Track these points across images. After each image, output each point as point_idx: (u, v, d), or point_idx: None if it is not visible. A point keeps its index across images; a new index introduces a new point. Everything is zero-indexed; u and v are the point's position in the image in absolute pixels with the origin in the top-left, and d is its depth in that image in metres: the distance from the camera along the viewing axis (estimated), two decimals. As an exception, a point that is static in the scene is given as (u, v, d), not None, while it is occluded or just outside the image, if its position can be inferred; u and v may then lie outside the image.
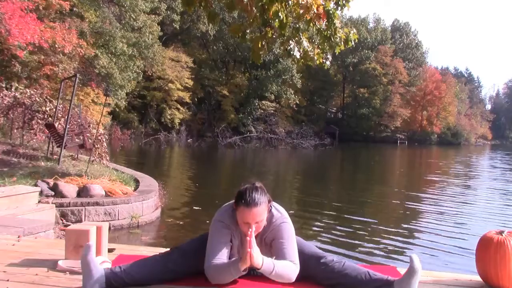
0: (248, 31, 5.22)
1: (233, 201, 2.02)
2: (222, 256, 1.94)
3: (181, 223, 6.34)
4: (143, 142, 28.28)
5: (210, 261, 1.92)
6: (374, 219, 7.11)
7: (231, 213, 2.01)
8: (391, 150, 38.30)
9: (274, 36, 5.17)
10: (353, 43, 5.50)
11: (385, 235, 6.01)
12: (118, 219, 5.65)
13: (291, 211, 7.32)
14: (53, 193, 5.58)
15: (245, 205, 1.91)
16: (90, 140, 8.42)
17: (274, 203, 2.08)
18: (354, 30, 5.58)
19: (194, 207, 7.53)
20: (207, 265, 1.92)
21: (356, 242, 5.66)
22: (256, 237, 1.93)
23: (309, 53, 5.33)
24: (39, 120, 8.83)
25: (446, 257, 5.02)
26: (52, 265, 2.22)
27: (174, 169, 15.72)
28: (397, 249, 5.39)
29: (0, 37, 10.49)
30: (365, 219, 7.13)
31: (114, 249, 2.56)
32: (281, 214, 2.05)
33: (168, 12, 33.99)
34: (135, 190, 6.61)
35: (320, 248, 2.20)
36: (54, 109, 8.68)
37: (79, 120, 9.37)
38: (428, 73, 61.03)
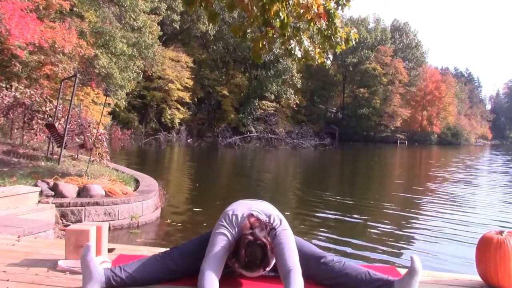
0: (248, 31, 5.22)
1: (235, 215, 2.00)
2: (218, 267, 1.89)
3: (180, 223, 6.34)
4: (143, 142, 28.29)
5: (206, 268, 1.88)
6: (374, 219, 7.11)
7: (236, 221, 1.99)
8: (391, 150, 38.31)
9: (274, 36, 5.17)
10: (353, 42, 5.51)
11: (385, 235, 6.00)
12: (118, 219, 5.65)
13: (289, 212, 7.32)
14: (53, 193, 5.58)
15: (244, 269, 1.87)
16: (90, 140, 8.43)
17: (275, 214, 2.06)
18: (355, 30, 5.58)
19: (194, 208, 7.53)
20: (202, 270, 1.89)
21: (356, 242, 5.66)
22: None
23: (310, 52, 5.34)
24: (39, 120, 8.84)
25: (446, 257, 5.02)
26: (52, 265, 2.22)
27: (174, 169, 15.72)
28: (397, 249, 5.39)
29: (0, 37, 10.48)
30: (364, 219, 7.13)
31: (114, 249, 2.56)
32: (281, 223, 2.03)
33: (168, 12, 34.03)
34: (135, 190, 6.61)
35: (319, 248, 2.20)
36: (54, 109, 8.68)
37: (79, 120, 9.38)
38: (428, 73, 61.09)
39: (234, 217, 2.01)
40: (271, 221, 2.00)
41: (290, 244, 1.96)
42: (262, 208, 2.09)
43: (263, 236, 1.85)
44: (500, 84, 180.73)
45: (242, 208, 2.07)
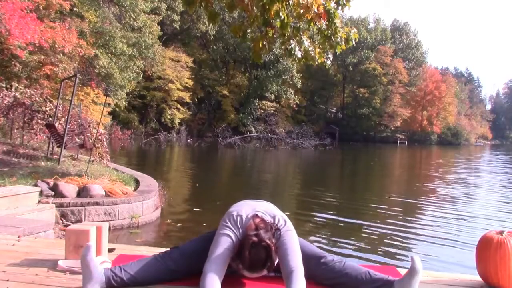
0: (248, 31, 5.22)
1: (239, 213, 2.02)
2: (221, 269, 1.88)
3: (180, 223, 6.34)
4: (143, 142, 28.29)
5: (208, 269, 1.86)
6: (374, 219, 7.11)
7: (240, 222, 1.99)
8: (391, 150, 38.31)
9: (274, 36, 5.17)
10: (353, 42, 5.50)
11: (384, 235, 6.00)
12: (118, 219, 5.65)
13: (288, 212, 7.32)
14: (53, 193, 5.58)
15: (248, 271, 1.88)
16: (90, 140, 8.43)
17: (279, 215, 2.07)
18: (355, 30, 5.58)
19: (194, 208, 7.52)
20: (204, 272, 1.87)
21: (356, 242, 5.66)
22: None
23: (310, 52, 5.33)
24: (39, 120, 8.84)
25: (446, 257, 5.02)
26: (52, 265, 2.22)
27: (174, 169, 15.72)
28: (397, 249, 5.39)
29: (0, 37, 10.48)
30: (364, 219, 7.13)
31: (114, 249, 2.56)
32: (286, 223, 2.03)
33: (168, 12, 34.03)
34: (135, 190, 6.61)
35: (319, 248, 2.20)
36: (54, 109, 8.68)
37: (79, 120, 9.38)
38: (428, 73, 61.10)
39: (238, 218, 2.00)
40: (276, 222, 2.00)
41: (294, 245, 1.96)
42: (266, 209, 2.09)
43: (268, 237, 1.85)
44: (500, 84, 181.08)
45: (246, 209, 2.06)
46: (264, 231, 1.87)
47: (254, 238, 1.83)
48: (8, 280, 1.99)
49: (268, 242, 1.83)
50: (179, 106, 37.30)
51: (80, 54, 14.52)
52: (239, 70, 46.68)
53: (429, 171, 18.25)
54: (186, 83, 35.87)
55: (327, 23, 5.15)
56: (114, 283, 1.91)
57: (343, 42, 5.34)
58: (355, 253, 5.09)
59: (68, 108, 8.17)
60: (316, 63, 5.54)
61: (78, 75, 8.87)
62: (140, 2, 21.63)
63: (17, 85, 11.37)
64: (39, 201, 5.26)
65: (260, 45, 5.04)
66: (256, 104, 42.66)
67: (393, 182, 14.45)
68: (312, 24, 5.14)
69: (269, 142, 34.49)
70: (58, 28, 13.12)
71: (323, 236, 5.93)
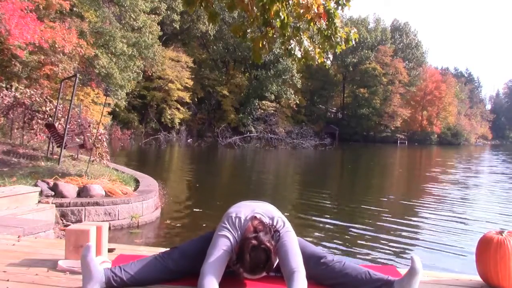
0: (248, 31, 5.22)
1: (238, 216, 2.02)
2: (219, 270, 1.88)
3: (180, 223, 6.34)
4: (143, 142, 28.28)
5: (207, 270, 1.87)
6: (374, 220, 7.11)
7: (239, 224, 2.00)
8: (391, 150, 38.30)
9: (274, 36, 5.17)
10: (353, 42, 5.50)
11: (384, 235, 6.00)
12: (118, 219, 5.65)
13: (288, 213, 7.32)
14: (53, 193, 5.58)
15: (248, 273, 1.89)
16: (90, 140, 8.43)
17: (278, 216, 2.07)
18: (355, 30, 5.58)
19: (194, 208, 7.52)
20: (202, 272, 1.87)
21: (356, 242, 5.65)
22: None
23: (310, 52, 5.33)
24: (39, 120, 8.84)
25: (446, 257, 5.02)
26: (52, 265, 2.22)
27: (174, 169, 15.72)
28: (397, 249, 5.39)
29: (0, 37, 10.48)
30: (364, 220, 7.13)
31: (114, 249, 2.56)
32: (285, 224, 2.04)
33: (168, 12, 34.01)
34: (135, 190, 6.61)
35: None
36: (54, 109, 8.68)
37: (79, 120, 9.37)
38: (428, 73, 61.11)
39: (237, 219, 2.00)
40: (275, 223, 2.01)
41: (294, 245, 1.97)
42: (264, 210, 2.09)
43: (267, 240, 1.86)
44: (500, 84, 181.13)
45: (245, 210, 2.06)
46: (263, 233, 1.88)
47: (254, 241, 1.83)
48: (8, 280, 1.99)
49: (268, 244, 1.84)
50: (179, 106, 37.27)
51: (80, 54, 14.55)
52: (239, 70, 46.65)
53: (429, 171, 18.24)
54: (186, 83, 35.86)
55: (327, 23, 5.15)
56: (114, 283, 1.91)
57: (343, 42, 5.34)
58: (355, 254, 5.09)
59: (68, 108, 8.17)
60: (316, 63, 5.54)
61: (78, 75, 8.87)
62: (140, 2, 21.66)
63: (17, 85, 11.38)
64: (39, 201, 5.26)
65: (260, 45, 5.04)
66: (256, 104, 42.63)
67: (393, 182, 14.44)
68: (312, 24, 5.14)
69: (269, 142, 34.50)
70: (58, 28, 13.12)
71: (323, 237, 5.93)
